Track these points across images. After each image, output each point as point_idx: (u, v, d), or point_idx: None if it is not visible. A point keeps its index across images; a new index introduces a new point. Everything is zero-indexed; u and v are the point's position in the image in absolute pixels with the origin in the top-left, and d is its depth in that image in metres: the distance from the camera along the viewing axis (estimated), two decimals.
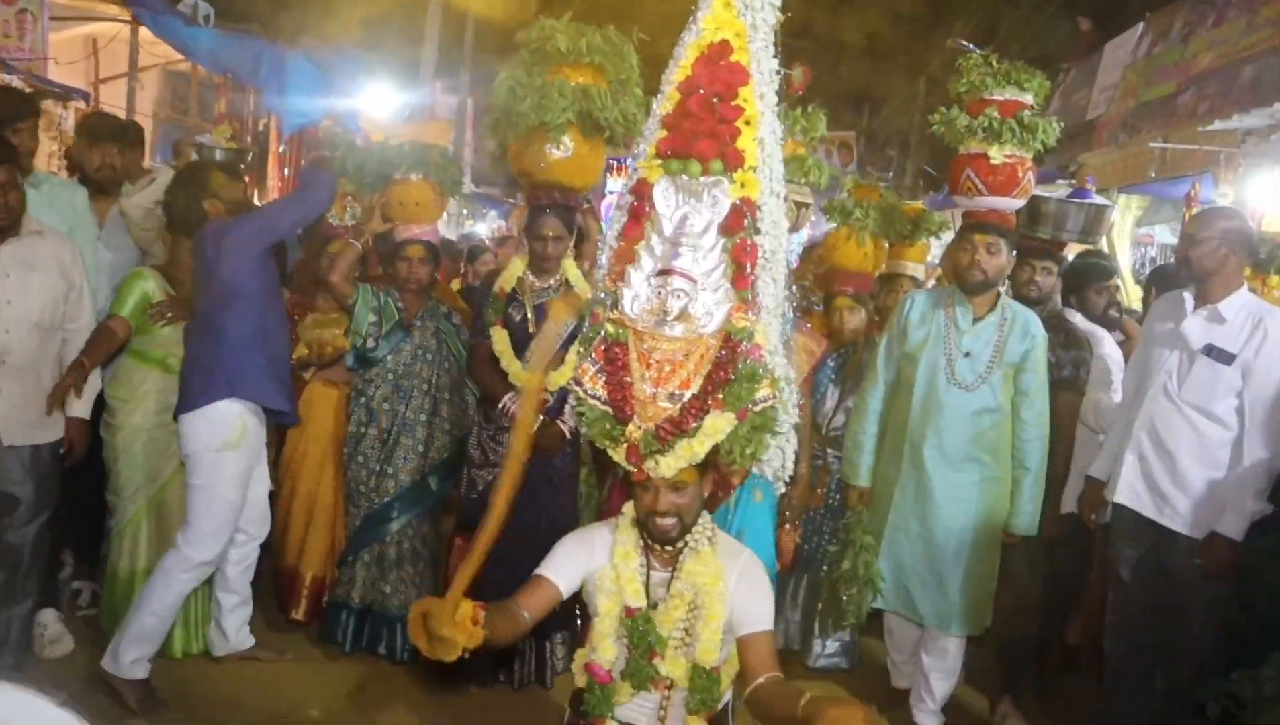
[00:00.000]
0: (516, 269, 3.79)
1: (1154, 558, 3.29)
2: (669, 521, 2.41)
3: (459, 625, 2.09)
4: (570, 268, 3.79)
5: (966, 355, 3.45)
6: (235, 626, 3.78)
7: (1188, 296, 3.28)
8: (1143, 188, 7.84)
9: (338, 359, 4.00)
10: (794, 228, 3.80)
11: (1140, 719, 3.37)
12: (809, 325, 4.24)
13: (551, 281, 3.78)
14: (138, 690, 3.38)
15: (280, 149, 9.73)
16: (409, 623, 2.11)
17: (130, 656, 3.37)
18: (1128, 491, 3.33)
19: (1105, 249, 6.29)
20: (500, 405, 3.67)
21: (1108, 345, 3.91)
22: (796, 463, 3.78)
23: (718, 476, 3.44)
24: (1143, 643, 3.37)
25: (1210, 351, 3.16)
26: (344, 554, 3.99)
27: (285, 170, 10.01)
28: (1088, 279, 4.24)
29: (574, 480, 3.86)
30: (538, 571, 2.52)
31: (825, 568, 3.92)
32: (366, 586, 3.95)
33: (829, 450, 4.15)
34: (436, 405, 3.99)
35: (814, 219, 5.12)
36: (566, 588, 2.53)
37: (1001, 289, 3.57)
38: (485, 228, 11.44)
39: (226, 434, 3.37)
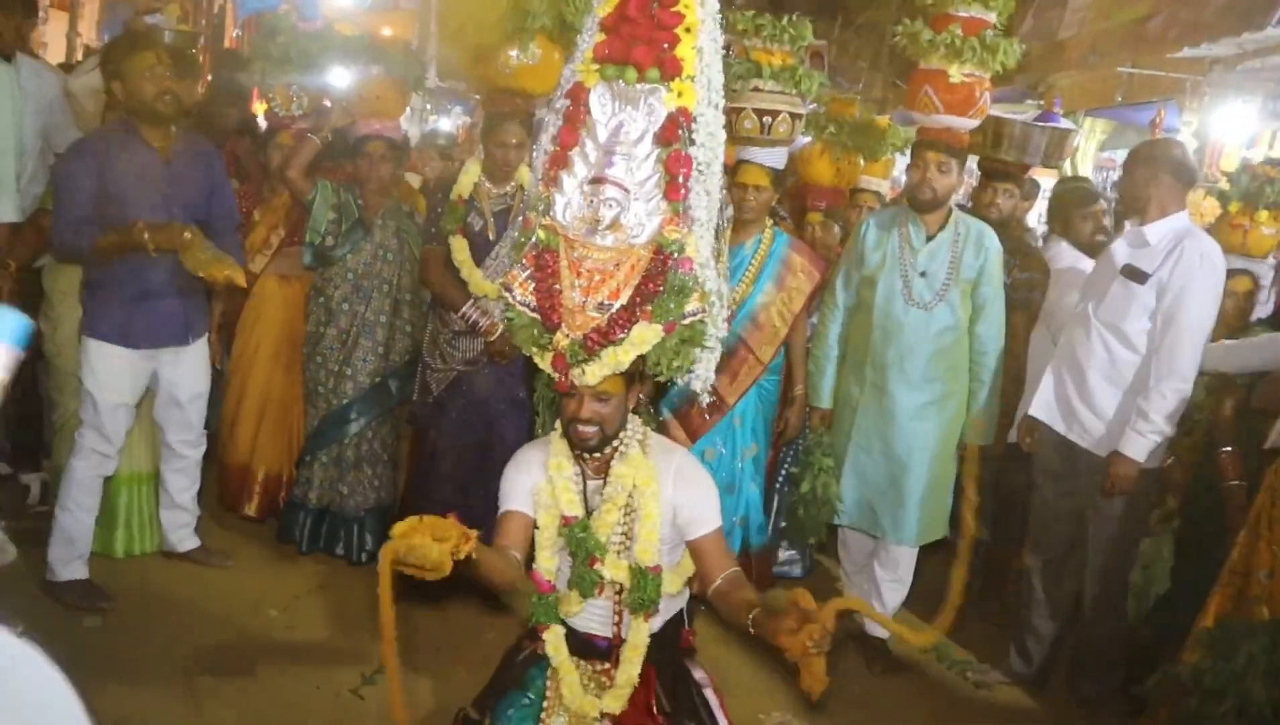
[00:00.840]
0: (473, 175, 3.69)
1: (1069, 473, 3.39)
2: (590, 429, 2.39)
3: (428, 531, 2.03)
4: (525, 173, 3.70)
5: (922, 275, 3.46)
6: (172, 526, 3.77)
7: (1127, 225, 3.29)
8: (1109, 112, 7.80)
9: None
10: (789, 140, 3.71)
11: (1055, 632, 3.53)
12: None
13: (508, 187, 3.70)
14: (75, 590, 3.40)
15: (235, 33, 9.30)
16: (384, 560, 2.04)
17: (59, 557, 3.40)
18: (1042, 407, 3.42)
19: (1068, 172, 6.25)
20: (460, 312, 3.61)
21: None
22: (791, 386, 3.85)
23: (717, 398, 3.43)
24: (1058, 554, 3.52)
25: (1126, 271, 3.18)
26: (301, 454, 3.98)
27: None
28: (1072, 204, 4.20)
29: (526, 383, 3.84)
30: (501, 510, 2.51)
31: (785, 488, 3.95)
32: (324, 487, 3.93)
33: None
34: (397, 306, 3.92)
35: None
36: (531, 509, 2.52)
37: (953, 205, 3.56)
38: (450, 123, 11.10)
39: (89, 363, 3.37)
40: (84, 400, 3.41)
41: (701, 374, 2.65)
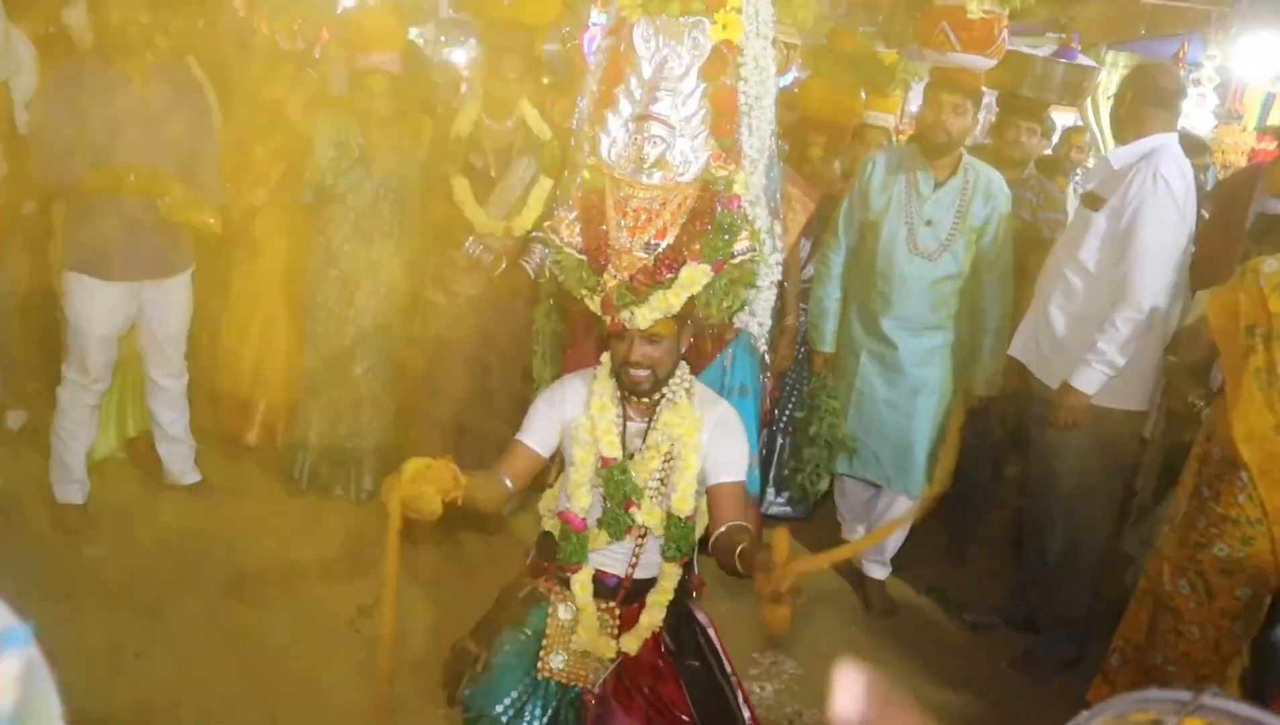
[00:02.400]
0: (472, 113, 3.65)
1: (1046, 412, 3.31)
2: (642, 373, 2.38)
3: (420, 478, 2.07)
4: (526, 109, 3.64)
5: (928, 223, 3.39)
6: (169, 457, 3.81)
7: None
8: (1131, 45, 7.57)
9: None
10: (782, 70, 3.59)
11: (1039, 575, 3.50)
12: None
13: (509, 123, 3.64)
14: (68, 514, 3.52)
15: None
16: (383, 490, 2.08)
17: (57, 478, 3.52)
18: (1017, 345, 3.37)
19: (1090, 108, 6.10)
20: (464, 247, 3.60)
21: None
22: (783, 316, 3.75)
23: (711, 334, 3.39)
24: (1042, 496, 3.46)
25: (1084, 198, 3.12)
26: (302, 394, 3.98)
27: None
28: None
29: (525, 318, 3.81)
30: (516, 437, 2.51)
31: (791, 430, 3.91)
32: (325, 427, 3.96)
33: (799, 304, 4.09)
34: (400, 247, 3.90)
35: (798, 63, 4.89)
36: (546, 450, 2.54)
37: (963, 150, 3.46)
38: (464, 55, 10.91)
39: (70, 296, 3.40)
40: (68, 331, 3.44)
41: (758, 316, 2.60)
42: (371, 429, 3.96)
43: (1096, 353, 3.01)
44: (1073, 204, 3.93)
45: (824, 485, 3.83)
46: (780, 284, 3.77)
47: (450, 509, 2.09)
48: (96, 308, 3.38)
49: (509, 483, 2.45)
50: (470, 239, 3.59)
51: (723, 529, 2.36)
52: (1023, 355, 3.34)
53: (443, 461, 2.15)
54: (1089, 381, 3.05)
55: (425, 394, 3.81)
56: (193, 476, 3.81)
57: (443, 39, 11.25)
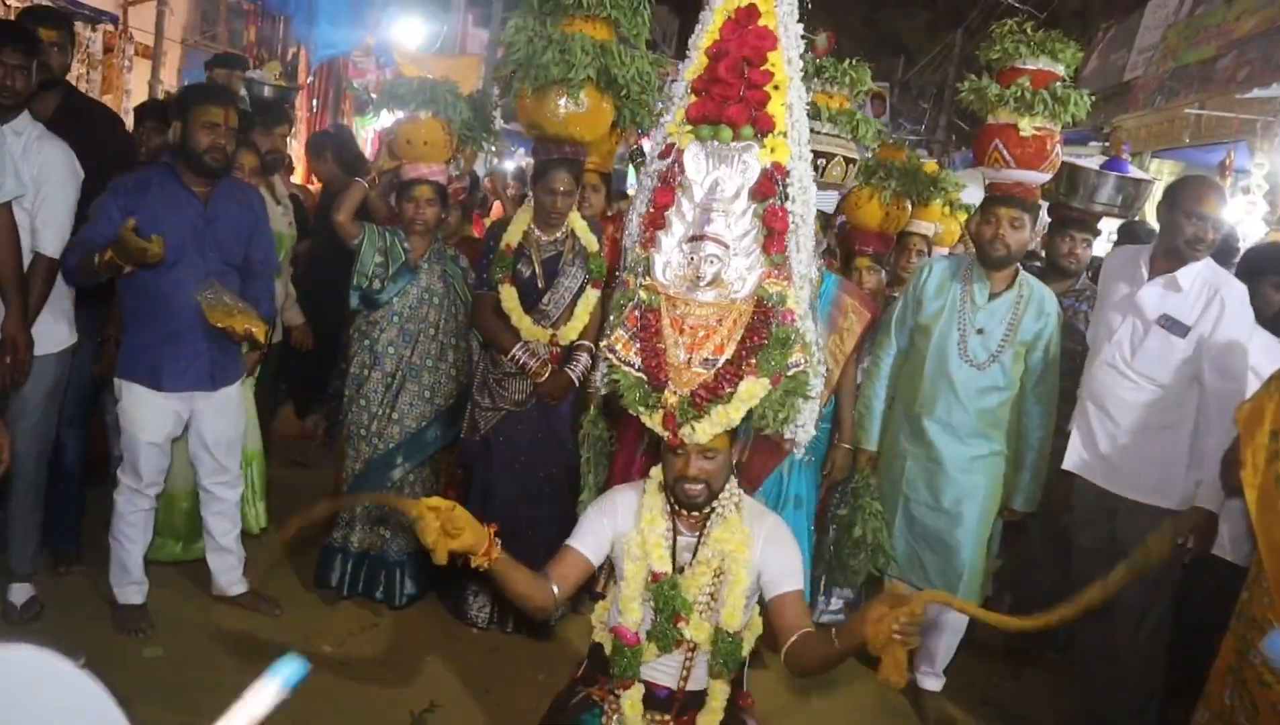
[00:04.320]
0: (522, 223, 3.86)
1: (1105, 522, 3.37)
2: (698, 487, 2.48)
3: (478, 529, 2.19)
4: (576, 220, 3.86)
5: (980, 332, 3.52)
6: (218, 570, 3.87)
7: (1144, 261, 3.28)
8: (1177, 153, 7.69)
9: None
10: (841, 184, 3.73)
11: (1102, 697, 3.47)
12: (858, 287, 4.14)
13: (558, 235, 3.85)
14: (127, 614, 3.62)
15: (309, 79, 9.59)
16: (413, 516, 2.19)
17: (116, 581, 3.62)
18: (1075, 458, 3.42)
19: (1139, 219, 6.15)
20: (510, 355, 3.79)
21: (1254, 354, 3.25)
22: (840, 427, 3.90)
23: (768, 447, 3.45)
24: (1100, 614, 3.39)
25: (1165, 322, 3.18)
26: (344, 497, 4.04)
27: (314, 101, 9.88)
28: (1269, 269, 3.69)
29: (572, 423, 3.99)
30: (567, 543, 2.59)
31: (833, 528, 3.99)
32: (366, 531, 4.04)
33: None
34: (443, 350, 4.04)
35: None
36: (595, 557, 2.62)
37: (1019, 264, 3.59)
38: (513, 165, 11.31)
39: (123, 402, 3.54)
40: (121, 438, 3.60)
41: (805, 424, 2.68)
42: (412, 533, 3.98)
43: (1211, 477, 3.05)
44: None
45: (860, 580, 3.81)
46: (835, 395, 3.84)
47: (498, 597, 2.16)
48: (147, 415, 3.51)
49: (555, 588, 2.51)
50: (518, 345, 3.76)
51: (795, 637, 2.39)
52: (1081, 468, 3.38)
53: (478, 526, 2.23)
54: (1217, 501, 3.08)
55: (472, 494, 3.90)
56: (239, 588, 3.89)
57: (492, 149, 11.66)
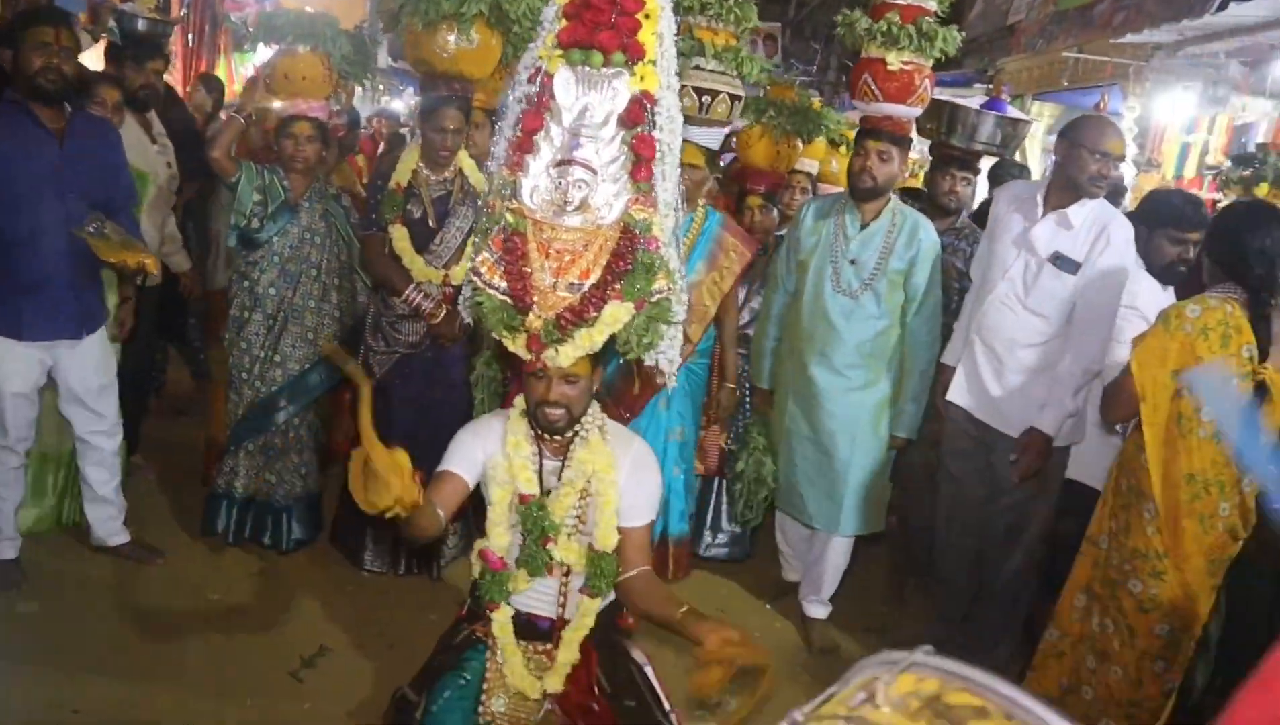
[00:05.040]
0: (410, 162, 3.82)
1: (983, 456, 3.52)
2: (557, 412, 2.53)
3: (401, 472, 2.17)
4: (465, 159, 3.82)
5: (852, 262, 3.62)
6: (97, 520, 3.78)
7: (1039, 197, 3.37)
8: (1056, 96, 7.94)
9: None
10: (726, 121, 3.75)
11: (958, 617, 3.67)
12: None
13: (447, 174, 3.83)
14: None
15: (183, 12, 9.15)
16: (349, 467, 2.19)
17: None
18: (959, 391, 3.53)
19: (1018, 158, 6.34)
20: (404, 296, 3.77)
21: (1142, 296, 3.36)
22: (723, 366, 3.99)
23: (645, 378, 3.47)
24: (967, 540, 3.63)
25: (1057, 260, 3.30)
26: (226, 444, 4.01)
27: (189, 36, 9.43)
28: (1165, 221, 3.44)
29: (465, 364, 4.02)
30: (440, 467, 2.64)
31: (727, 467, 4.10)
32: (250, 476, 4.00)
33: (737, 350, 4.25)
34: (326, 291, 3.99)
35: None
36: (471, 477, 2.65)
37: (894, 195, 3.69)
38: (402, 105, 11.03)
39: None
40: None
41: (667, 352, 2.72)
42: (298, 477, 4.01)
43: (1059, 401, 3.24)
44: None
45: (756, 519, 3.92)
46: (718, 333, 3.90)
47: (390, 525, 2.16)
48: (9, 366, 3.38)
49: (440, 512, 2.51)
50: (410, 287, 3.72)
51: (633, 572, 2.49)
52: (963, 401, 3.50)
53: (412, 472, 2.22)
54: (1055, 425, 3.27)
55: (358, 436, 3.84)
56: (120, 538, 3.81)
57: (380, 87, 11.36)
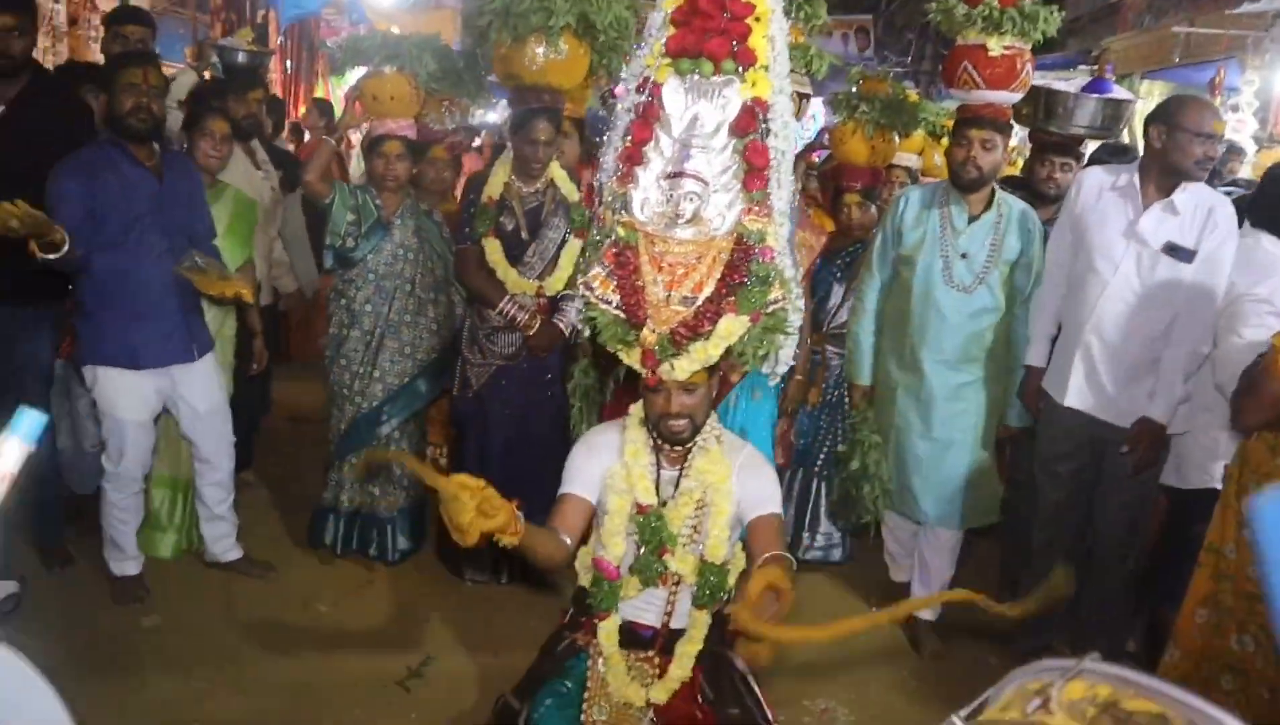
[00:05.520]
0: (502, 175, 3.85)
1: (1092, 456, 3.41)
2: (681, 423, 2.52)
3: (469, 487, 2.11)
4: (556, 170, 3.84)
5: (963, 256, 3.55)
6: (213, 538, 3.92)
7: (1136, 184, 3.23)
8: (1166, 73, 7.60)
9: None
10: (794, 119, 3.69)
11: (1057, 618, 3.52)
12: (809, 218, 4.14)
13: (539, 185, 3.84)
14: (119, 586, 3.68)
15: (280, 40, 9.48)
16: (446, 494, 2.12)
17: (111, 557, 3.67)
18: (1077, 395, 3.38)
19: (1126, 140, 6.10)
20: (498, 308, 3.79)
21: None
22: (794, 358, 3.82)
23: (720, 376, 3.44)
24: (1070, 544, 3.52)
25: (1173, 251, 3.18)
26: (330, 458, 4.13)
27: (286, 63, 9.76)
28: None
29: (562, 374, 4.04)
30: (561, 491, 2.60)
31: (830, 465, 4.10)
32: (355, 490, 4.08)
33: (828, 347, 4.30)
34: (421, 305, 4.06)
35: (823, 111, 4.99)
36: (593, 495, 2.65)
37: (997, 184, 3.57)
38: (496, 117, 11.22)
39: (100, 388, 3.53)
40: (103, 424, 3.58)
41: (784, 360, 2.68)
42: (401, 488, 4.09)
43: (1169, 387, 3.16)
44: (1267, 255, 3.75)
45: (873, 517, 3.84)
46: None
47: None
48: (127, 397, 3.52)
49: (566, 538, 2.52)
50: (505, 299, 3.76)
51: (762, 560, 2.40)
52: (1082, 404, 3.36)
53: (510, 506, 2.20)
54: (1167, 413, 3.18)
55: (466, 450, 3.95)
56: (233, 554, 3.95)
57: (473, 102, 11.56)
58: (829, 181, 4.66)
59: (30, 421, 1.12)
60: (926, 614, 3.76)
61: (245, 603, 3.72)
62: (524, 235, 3.81)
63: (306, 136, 7.84)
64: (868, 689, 3.43)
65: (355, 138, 7.20)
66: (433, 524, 4.18)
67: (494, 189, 3.80)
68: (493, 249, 3.77)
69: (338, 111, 9.34)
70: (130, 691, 3.11)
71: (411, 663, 3.36)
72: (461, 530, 2.10)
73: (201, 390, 3.65)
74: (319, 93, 10.24)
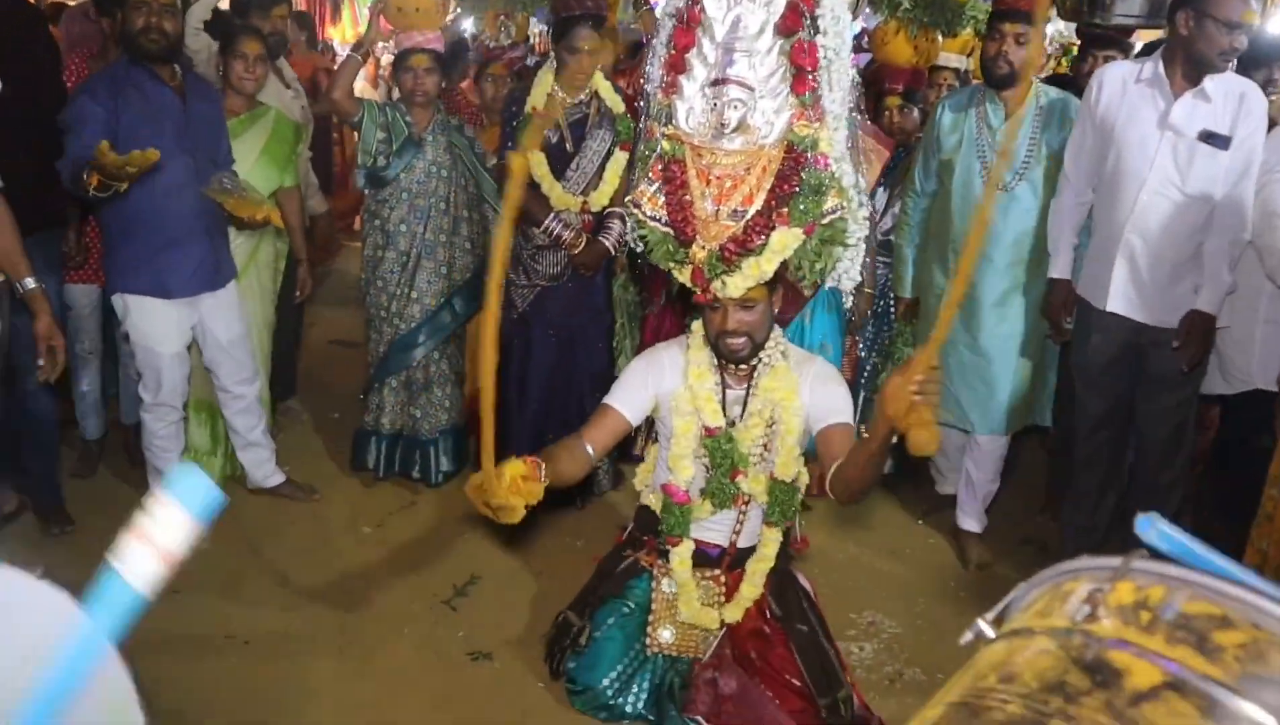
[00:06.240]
0: (545, 85, 3.72)
1: (1136, 359, 3.31)
2: (740, 341, 2.45)
3: (513, 489, 2.13)
4: (600, 81, 3.71)
5: (1002, 155, 3.41)
6: (252, 464, 3.92)
7: (1163, 74, 3.10)
8: None
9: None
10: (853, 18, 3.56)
11: (1096, 519, 3.48)
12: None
13: (583, 96, 3.71)
14: None
15: None
16: (470, 497, 2.15)
17: (154, 484, 3.67)
18: (1120, 300, 3.27)
19: None
20: (544, 226, 3.70)
21: None
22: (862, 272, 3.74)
23: (789, 291, 3.37)
24: (1116, 451, 3.46)
25: (1209, 138, 3.06)
26: (370, 381, 4.13)
27: None
28: None
29: (608, 291, 3.97)
30: (605, 401, 2.60)
31: (868, 382, 4.04)
32: (396, 412, 4.09)
33: (878, 256, 4.09)
34: (456, 224, 4.00)
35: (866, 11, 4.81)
36: (635, 417, 2.61)
37: (1036, 77, 3.35)
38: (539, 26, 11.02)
39: (132, 320, 3.49)
40: (136, 355, 3.54)
41: (850, 274, 2.60)
42: (443, 410, 4.08)
43: (1215, 277, 3.08)
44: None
45: None
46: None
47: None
48: (161, 326, 3.48)
49: (590, 449, 2.49)
50: (551, 216, 3.66)
51: (840, 460, 2.30)
52: (1127, 310, 3.25)
53: (531, 467, 2.17)
54: (1216, 303, 3.10)
55: (511, 372, 3.88)
56: (275, 478, 3.95)
57: (502, 16, 11.43)
58: (869, 86, 4.51)
59: (205, 495, 0.87)
60: (973, 525, 3.75)
61: (291, 525, 3.75)
62: (568, 148, 3.70)
63: (338, 55, 7.68)
64: (914, 601, 3.43)
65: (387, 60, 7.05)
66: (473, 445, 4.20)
67: (538, 99, 3.68)
68: (537, 162, 3.65)
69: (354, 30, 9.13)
70: (181, 610, 3.16)
71: (457, 582, 3.39)
72: (516, 520, 2.11)
73: (226, 319, 3.61)
74: (344, 12, 10.05)
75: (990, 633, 0.68)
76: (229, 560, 3.48)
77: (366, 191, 3.96)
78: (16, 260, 2.95)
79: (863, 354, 4.16)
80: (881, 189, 4.11)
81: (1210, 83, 3.03)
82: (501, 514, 2.11)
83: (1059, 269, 3.38)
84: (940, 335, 1.73)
